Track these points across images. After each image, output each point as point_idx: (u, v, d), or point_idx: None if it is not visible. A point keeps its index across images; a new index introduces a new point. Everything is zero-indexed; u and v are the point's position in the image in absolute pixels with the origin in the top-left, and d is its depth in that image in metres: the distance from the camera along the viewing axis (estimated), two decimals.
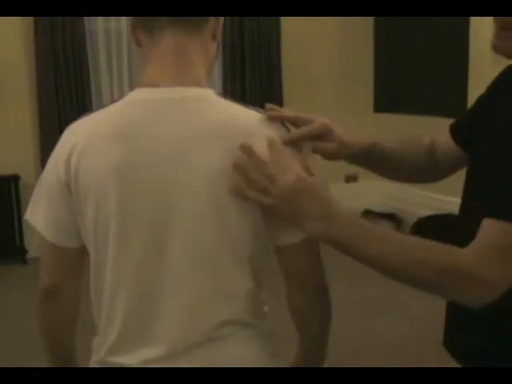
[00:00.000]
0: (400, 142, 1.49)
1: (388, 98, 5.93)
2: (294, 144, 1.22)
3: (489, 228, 1.09)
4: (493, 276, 1.08)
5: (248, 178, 1.15)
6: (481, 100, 1.38)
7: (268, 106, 1.26)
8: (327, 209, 1.17)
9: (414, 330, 3.61)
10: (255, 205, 1.16)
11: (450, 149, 1.44)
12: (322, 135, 1.29)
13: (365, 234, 1.16)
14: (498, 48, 1.18)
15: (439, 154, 1.47)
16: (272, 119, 1.22)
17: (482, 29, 4.79)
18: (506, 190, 1.09)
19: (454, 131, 1.44)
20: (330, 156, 1.33)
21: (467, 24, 4.88)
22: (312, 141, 1.27)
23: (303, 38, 5.67)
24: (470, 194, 1.27)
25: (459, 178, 1.52)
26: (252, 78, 5.44)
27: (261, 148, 1.15)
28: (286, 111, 1.28)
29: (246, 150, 1.14)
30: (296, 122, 1.29)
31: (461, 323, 1.30)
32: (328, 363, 1.36)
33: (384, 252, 1.14)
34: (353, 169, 5.80)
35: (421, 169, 1.50)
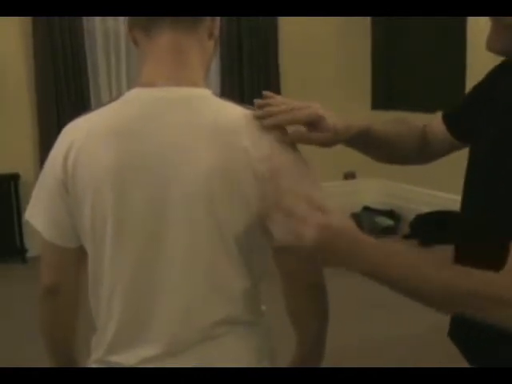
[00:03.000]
0: (393, 124, 1.48)
1: (386, 96, 5.93)
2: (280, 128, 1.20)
3: None
4: None
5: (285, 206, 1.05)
6: (479, 90, 1.37)
7: (265, 93, 1.26)
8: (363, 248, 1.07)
9: (413, 330, 3.61)
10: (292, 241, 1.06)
11: (442, 134, 1.45)
12: (313, 124, 1.26)
13: (410, 270, 1.08)
14: (492, 46, 1.18)
15: (430, 137, 1.48)
16: (268, 127, 1.20)
17: (478, 27, 4.80)
18: None
19: (449, 120, 1.44)
20: (323, 144, 1.29)
21: (464, 22, 4.88)
22: (304, 131, 1.25)
23: (301, 36, 5.67)
24: (483, 193, 1.23)
25: (457, 174, 1.52)
26: (250, 76, 5.44)
27: (255, 149, 1.15)
28: (280, 100, 1.26)
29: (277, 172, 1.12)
30: None
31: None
32: (327, 363, 1.35)
33: (428, 293, 1.08)
34: (351, 166, 5.85)
35: (413, 151, 1.50)
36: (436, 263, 1.10)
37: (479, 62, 4.48)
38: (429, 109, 5.21)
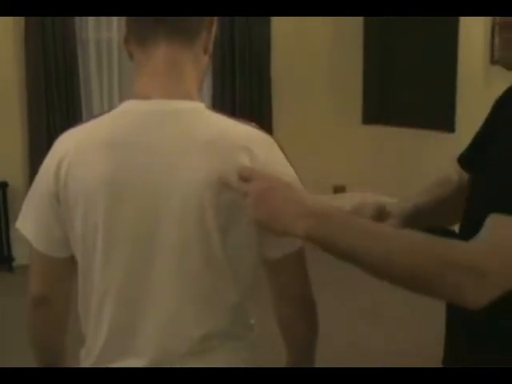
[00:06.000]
0: (436, 198, 1.43)
1: (377, 110, 5.95)
2: None
3: (498, 223, 1.04)
4: (495, 272, 1.03)
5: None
6: (488, 125, 1.33)
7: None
8: (312, 207, 1.09)
9: (402, 342, 3.61)
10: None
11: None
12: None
13: (358, 234, 1.07)
14: (504, 61, 1.16)
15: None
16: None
17: (470, 40, 4.84)
18: None
19: (465, 163, 1.38)
20: None
21: (456, 35, 4.92)
22: None
23: (293, 49, 5.69)
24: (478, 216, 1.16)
25: None
26: (241, 88, 5.45)
27: (249, 163, 1.15)
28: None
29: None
30: None
31: (463, 343, 1.27)
32: None
33: (386, 251, 1.05)
34: (341, 179, 5.86)
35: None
36: (394, 232, 1.10)
37: (471, 76, 4.52)
38: (420, 124, 5.23)
